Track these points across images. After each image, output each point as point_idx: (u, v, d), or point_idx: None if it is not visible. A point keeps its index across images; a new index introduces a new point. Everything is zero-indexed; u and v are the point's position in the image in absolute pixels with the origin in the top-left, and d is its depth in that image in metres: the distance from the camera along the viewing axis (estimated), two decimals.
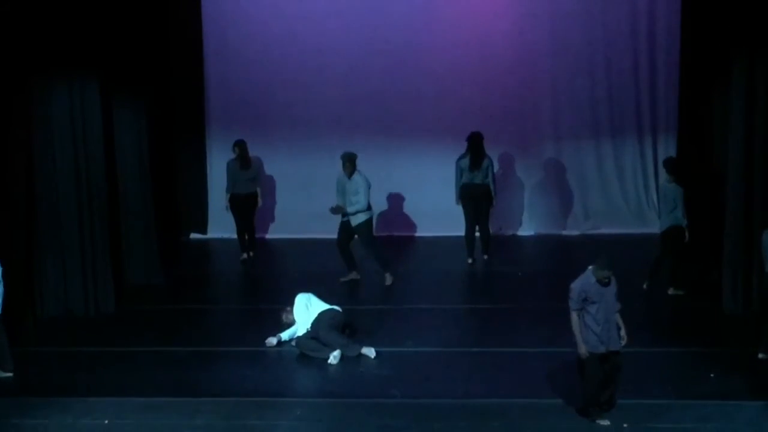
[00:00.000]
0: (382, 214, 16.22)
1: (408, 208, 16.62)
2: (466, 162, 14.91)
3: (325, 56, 16.56)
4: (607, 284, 9.23)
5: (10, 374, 10.83)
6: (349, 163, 13.82)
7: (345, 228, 14.00)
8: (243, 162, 15.47)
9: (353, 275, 14.19)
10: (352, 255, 14.16)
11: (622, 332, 9.36)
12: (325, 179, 16.19)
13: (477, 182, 14.91)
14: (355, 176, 13.78)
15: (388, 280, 13.97)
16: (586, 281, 9.22)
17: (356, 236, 14.05)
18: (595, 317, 9.18)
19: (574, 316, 9.25)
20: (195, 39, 16.72)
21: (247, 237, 15.73)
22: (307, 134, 16.78)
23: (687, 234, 12.93)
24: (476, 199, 14.97)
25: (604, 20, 16.51)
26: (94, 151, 12.85)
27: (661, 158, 16.15)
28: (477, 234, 15.19)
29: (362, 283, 14.02)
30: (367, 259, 14.23)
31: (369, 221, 13.99)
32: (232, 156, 15.50)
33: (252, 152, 15.66)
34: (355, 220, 13.83)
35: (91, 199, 12.87)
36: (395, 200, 16.68)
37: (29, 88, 12.48)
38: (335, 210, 13.93)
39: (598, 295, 9.19)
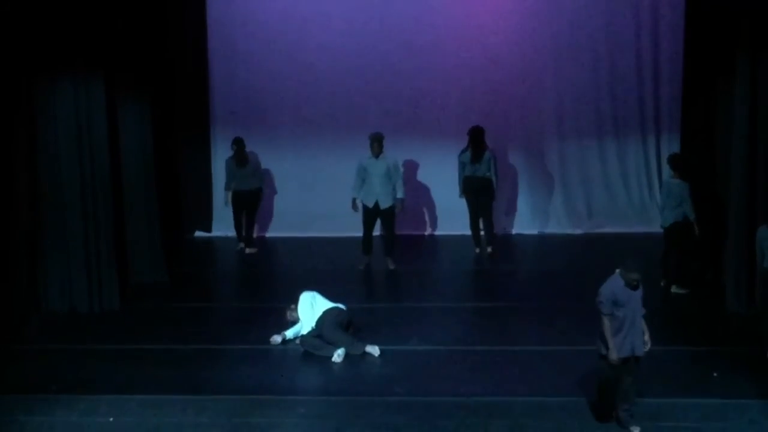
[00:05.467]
0: None
1: (411, 206, 16.62)
2: (467, 156, 15.14)
3: (330, 55, 16.57)
4: (635, 287, 8.99)
5: None
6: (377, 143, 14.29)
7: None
8: (240, 159, 15.55)
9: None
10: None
11: (646, 337, 9.16)
12: (329, 178, 16.22)
13: (479, 175, 15.13)
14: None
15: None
16: (615, 285, 8.97)
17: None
18: (621, 321, 8.96)
19: (605, 321, 8.95)
20: (199, 37, 16.73)
21: (245, 232, 15.82)
22: (310, 133, 16.79)
23: (696, 228, 12.93)
24: (477, 192, 15.17)
25: (608, 19, 16.52)
26: (98, 149, 12.84)
27: (664, 157, 16.14)
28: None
29: (367, 282, 14.03)
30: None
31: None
32: (230, 153, 15.59)
33: (256, 151, 15.69)
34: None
35: (96, 197, 12.87)
36: None
37: (33, 87, 12.48)
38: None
39: (626, 298, 8.95)
